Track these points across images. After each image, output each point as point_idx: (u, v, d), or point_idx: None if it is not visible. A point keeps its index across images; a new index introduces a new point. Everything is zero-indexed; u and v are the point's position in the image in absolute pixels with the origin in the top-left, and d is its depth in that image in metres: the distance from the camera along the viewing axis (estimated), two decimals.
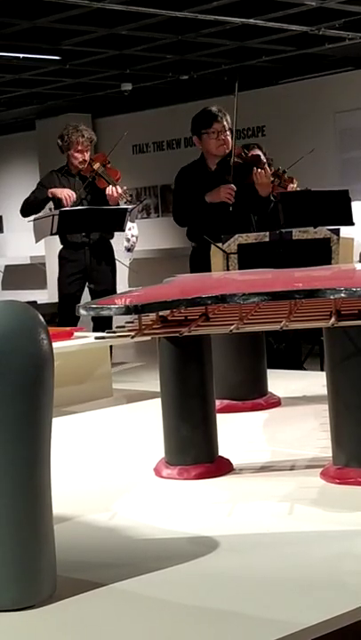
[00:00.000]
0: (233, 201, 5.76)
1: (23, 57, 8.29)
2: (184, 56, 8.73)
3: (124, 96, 10.23)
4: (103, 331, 4.92)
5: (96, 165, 6.86)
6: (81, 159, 6.85)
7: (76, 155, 6.84)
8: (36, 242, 6.73)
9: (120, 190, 6.78)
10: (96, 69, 9.19)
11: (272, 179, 5.79)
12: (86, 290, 6.93)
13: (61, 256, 6.94)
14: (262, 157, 5.92)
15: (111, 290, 6.85)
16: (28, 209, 6.97)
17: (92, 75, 9.46)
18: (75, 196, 6.72)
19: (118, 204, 6.83)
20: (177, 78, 9.63)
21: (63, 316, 6.56)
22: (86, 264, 6.82)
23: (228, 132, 5.93)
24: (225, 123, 5.92)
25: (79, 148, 6.83)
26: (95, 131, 11.03)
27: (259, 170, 5.77)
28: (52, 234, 6.53)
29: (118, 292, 5.33)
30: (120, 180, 6.96)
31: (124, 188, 6.88)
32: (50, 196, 6.80)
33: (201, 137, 5.96)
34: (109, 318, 6.63)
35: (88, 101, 10.92)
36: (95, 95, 10.57)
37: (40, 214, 6.74)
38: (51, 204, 6.91)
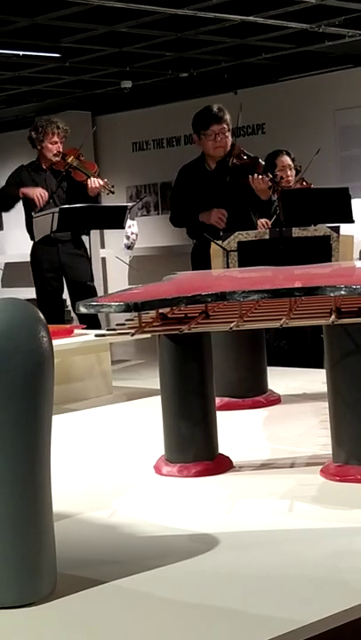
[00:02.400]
0: (223, 226, 5.72)
1: (23, 54, 8.29)
2: (184, 53, 8.73)
3: (124, 93, 10.22)
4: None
5: (70, 159, 6.77)
6: (55, 151, 6.71)
7: (49, 146, 6.70)
8: (37, 239, 6.71)
9: (102, 182, 6.73)
10: (96, 67, 9.19)
11: (270, 184, 5.77)
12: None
13: (34, 254, 6.86)
14: (260, 161, 5.89)
15: (90, 284, 6.81)
16: (3, 204, 6.88)
17: (92, 72, 9.46)
18: (47, 195, 6.66)
19: (99, 196, 6.77)
20: (177, 76, 9.63)
21: (45, 314, 6.45)
22: (60, 261, 6.78)
23: (227, 134, 5.90)
24: (224, 125, 5.88)
25: (54, 139, 6.71)
26: (95, 128, 11.04)
27: (256, 176, 5.74)
28: (52, 232, 6.51)
29: (116, 289, 5.34)
30: (97, 172, 6.88)
31: (105, 180, 6.83)
32: (21, 195, 6.70)
33: (200, 136, 5.95)
34: (97, 318, 6.63)
35: (88, 99, 10.92)
36: (95, 93, 10.56)
37: (40, 213, 6.71)
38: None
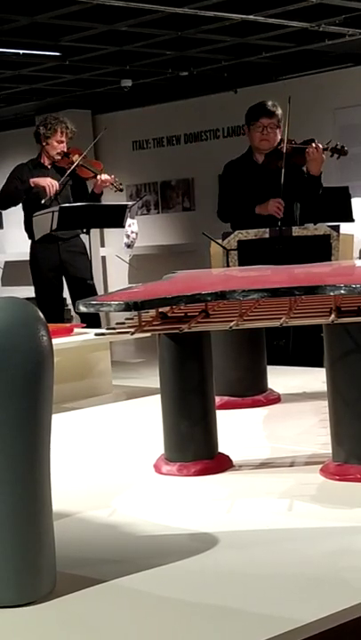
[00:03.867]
0: (281, 215, 5.74)
1: (23, 53, 8.29)
2: (184, 52, 8.73)
3: (124, 92, 10.22)
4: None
5: (75, 157, 6.79)
6: (59, 149, 6.75)
7: (55, 144, 6.73)
8: (37, 238, 6.71)
9: (110, 177, 6.73)
10: (96, 65, 9.19)
11: (330, 154, 5.79)
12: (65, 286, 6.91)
13: (33, 253, 6.87)
14: (315, 141, 5.89)
15: (90, 283, 6.82)
16: (8, 201, 6.89)
17: (92, 71, 9.46)
18: (57, 185, 6.67)
19: (102, 194, 6.78)
20: (177, 74, 9.63)
21: (45, 312, 6.44)
22: (60, 259, 6.78)
23: (276, 130, 5.92)
24: (275, 120, 5.91)
25: (61, 138, 6.74)
26: (95, 127, 11.04)
27: (314, 144, 5.76)
28: (51, 230, 6.51)
29: (116, 288, 5.34)
30: (103, 171, 6.90)
31: (112, 176, 6.84)
32: (32, 185, 6.69)
33: (249, 128, 5.98)
34: (98, 317, 6.63)
35: (88, 97, 10.91)
36: (95, 91, 10.56)
37: (40, 212, 6.71)
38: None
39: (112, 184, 6.77)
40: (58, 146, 6.75)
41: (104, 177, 6.71)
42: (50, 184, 6.64)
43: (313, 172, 5.82)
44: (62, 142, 6.76)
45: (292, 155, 5.84)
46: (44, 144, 6.80)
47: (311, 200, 5.98)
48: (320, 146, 5.78)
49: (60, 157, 6.77)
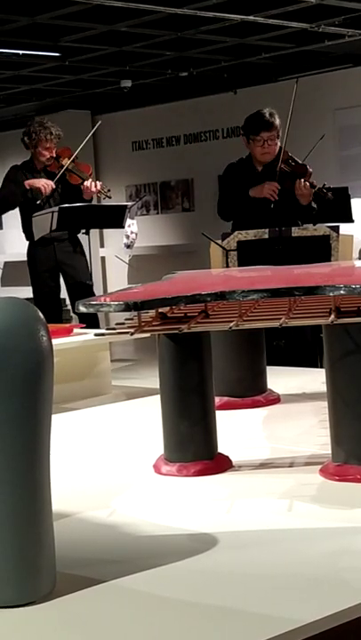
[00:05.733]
0: (276, 198, 5.78)
1: (22, 53, 8.29)
2: (183, 53, 8.73)
3: (124, 93, 10.22)
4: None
5: (64, 161, 6.79)
6: (48, 156, 6.78)
7: (43, 152, 6.76)
8: (36, 238, 6.71)
9: (98, 186, 6.74)
10: (95, 66, 9.19)
11: (311, 192, 5.82)
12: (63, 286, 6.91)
13: (30, 254, 6.89)
14: (309, 169, 5.91)
15: (88, 283, 6.82)
16: (5, 204, 6.91)
17: (92, 71, 9.46)
18: (52, 184, 6.69)
19: (91, 200, 6.79)
20: (176, 75, 9.62)
21: (43, 313, 6.45)
22: (57, 260, 6.79)
23: (276, 140, 5.94)
24: (274, 132, 5.92)
25: (47, 145, 6.76)
26: (100, 122, 11.03)
27: (303, 181, 5.79)
28: (51, 230, 6.52)
29: (116, 288, 5.34)
30: (92, 174, 6.91)
31: (100, 183, 6.84)
32: (27, 187, 6.72)
33: (248, 140, 5.98)
34: (97, 318, 6.64)
35: (87, 98, 10.91)
36: (95, 92, 10.56)
37: (40, 212, 6.72)
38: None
39: (100, 192, 6.77)
40: (45, 152, 6.79)
41: (91, 185, 6.70)
42: (45, 184, 6.67)
43: (301, 203, 5.88)
44: (49, 149, 6.79)
45: (285, 178, 5.85)
46: (32, 151, 6.84)
47: (307, 220, 6.02)
48: (307, 184, 5.80)
49: (50, 162, 6.80)
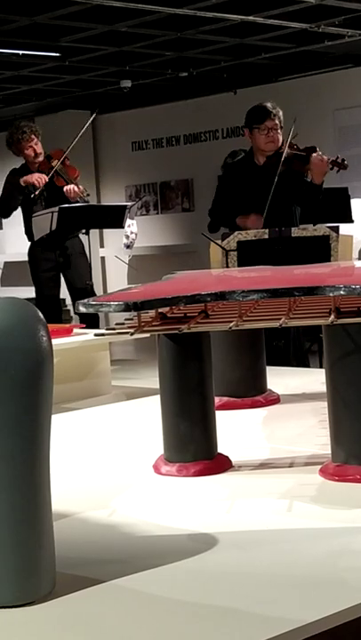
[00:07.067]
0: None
1: (22, 53, 8.29)
2: (183, 53, 8.74)
3: (124, 93, 10.23)
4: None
5: (54, 162, 6.84)
6: (33, 154, 6.85)
7: (27, 152, 6.85)
8: (36, 238, 6.73)
9: (78, 189, 6.77)
10: (95, 66, 9.19)
11: (330, 166, 5.79)
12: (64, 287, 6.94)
13: (32, 255, 6.93)
14: (317, 149, 5.89)
15: (89, 284, 6.84)
16: (5, 207, 7.00)
17: (92, 71, 9.46)
18: (46, 177, 6.73)
19: (77, 202, 6.82)
20: (176, 75, 9.63)
21: (44, 313, 6.50)
22: (59, 261, 6.83)
23: (279, 131, 5.94)
24: (277, 121, 5.93)
25: (27, 144, 6.82)
26: (94, 127, 11.03)
27: (318, 154, 5.77)
28: (51, 231, 6.53)
29: (116, 289, 5.33)
30: (78, 178, 6.95)
31: (81, 187, 6.88)
32: (23, 184, 6.79)
33: (252, 131, 5.99)
34: (97, 318, 6.65)
35: (87, 98, 10.92)
36: (94, 92, 10.56)
37: (40, 212, 6.73)
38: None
39: (79, 196, 6.80)
40: (30, 152, 6.85)
41: (71, 189, 6.74)
42: (38, 178, 6.75)
43: (316, 181, 5.85)
44: (30, 147, 6.84)
45: (292, 161, 5.85)
46: (22, 156, 6.91)
47: (311, 205, 5.99)
48: (325, 157, 5.79)
49: (40, 159, 6.84)
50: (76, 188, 6.76)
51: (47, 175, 6.78)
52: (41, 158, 6.86)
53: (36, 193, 6.72)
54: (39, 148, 6.86)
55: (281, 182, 5.76)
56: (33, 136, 6.83)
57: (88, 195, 7.00)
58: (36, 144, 6.84)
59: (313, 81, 9.84)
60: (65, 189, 6.76)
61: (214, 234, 5.36)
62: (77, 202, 6.80)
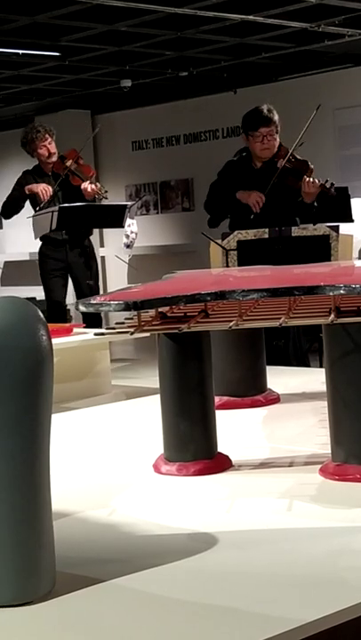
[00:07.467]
0: (258, 211, 5.75)
1: (22, 53, 8.29)
2: (183, 52, 8.73)
3: (124, 92, 10.22)
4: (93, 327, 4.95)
5: (68, 162, 6.85)
6: (47, 153, 6.87)
7: (41, 152, 6.87)
8: (36, 238, 6.74)
9: (96, 187, 6.78)
10: (95, 66, 9.19)
11: (320, 189, 5.78)
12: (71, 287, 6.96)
13: (42, 253, 6.98)
14: (310, 165, 5.88)
15: (95, 285, 6.87)
16: (8, 209, 7.04)
17: (92, 71, 9.46)
18: (51, 190, 6.75)
19: (94, 200, 6.83)
20: (176, 75, 9.63)
21: (51, 312, 6.60)
22: (68, 261, 6.86)
23: (275, 136, 5.91)
24: (273, 127, 5.89)
25: (41, 144, 6.85)
26: (95, 127, 11.03)
27: (309, 179, 5.74)
28: (51, 230, 6.54)
29: (116, 288, 5.33)
30: (93, 176, 6.98)
31: (99, 185, 6.88)
32: (27, 192, 6.83)
33: (247, 136, 5.97)
34: (100, 318, 6.67)
35: (87, 98, 10.92)
36: (94, 91, 10.56)
37: (40, 212, 6.73)
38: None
39: (97, 193, 6.80)
40: (43, 151, 6.87)
41: (88, 186, 6.74)
42: (43, 189, 6.75)
43: (306, 201, 5.84)
44: (45, 146, 6.86)
45: (286, 176, 5.83)
46: (35, 156, 6.90)
47: (305, 218, 5.99)
48: (316, 181, 5.76)
49: (53, 159, 6.85)
50: (93, 186, 6.76)
51: (62, 175, 6.80)
52: (54, 158, 6.88)
53: (41, 206, 6.73)
54: (53, 148, 6.88)
55: (273, 192, 5.77)
56: (47, 135, 6.85)
57: (106, 191, 6.99)
58: (50, 144, 6.87)
59: (313, 81, 9.83)
60: (82, 187, 6.76)
61: (214, 233, 5.36)
62: (94, 200, 6.82)
